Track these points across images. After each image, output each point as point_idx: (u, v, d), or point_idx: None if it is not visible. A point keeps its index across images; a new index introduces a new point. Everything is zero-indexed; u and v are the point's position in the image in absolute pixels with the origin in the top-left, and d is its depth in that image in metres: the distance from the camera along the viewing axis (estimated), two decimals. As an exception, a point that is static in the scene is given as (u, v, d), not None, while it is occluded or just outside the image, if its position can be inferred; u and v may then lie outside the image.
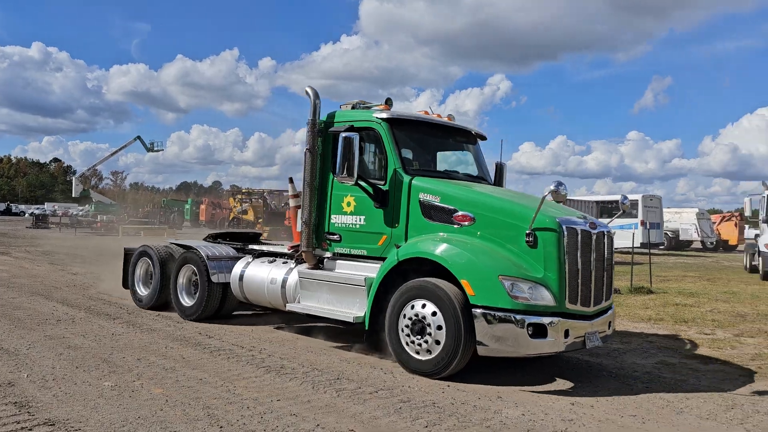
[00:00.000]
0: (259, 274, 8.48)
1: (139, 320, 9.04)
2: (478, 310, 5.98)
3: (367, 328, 6.84)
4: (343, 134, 6.99)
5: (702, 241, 39.17)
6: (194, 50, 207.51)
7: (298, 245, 8.17)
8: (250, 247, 9.42)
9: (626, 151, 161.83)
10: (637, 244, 19.41)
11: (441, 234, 6.66)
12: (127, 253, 10.77)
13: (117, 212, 52.78)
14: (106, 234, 39.13)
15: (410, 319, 6.40)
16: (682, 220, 38.91)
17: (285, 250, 8.65)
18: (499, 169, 8.59)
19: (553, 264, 6.07)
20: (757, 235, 21.09)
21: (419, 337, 6.32)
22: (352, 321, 6.96)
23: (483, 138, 8.49)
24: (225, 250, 9.30)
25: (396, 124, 7.30)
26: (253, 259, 8.86)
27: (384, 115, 7.28)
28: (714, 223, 41.38)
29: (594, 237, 6.45)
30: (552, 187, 6.10)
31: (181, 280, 9.39)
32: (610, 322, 6.81)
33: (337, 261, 7.57)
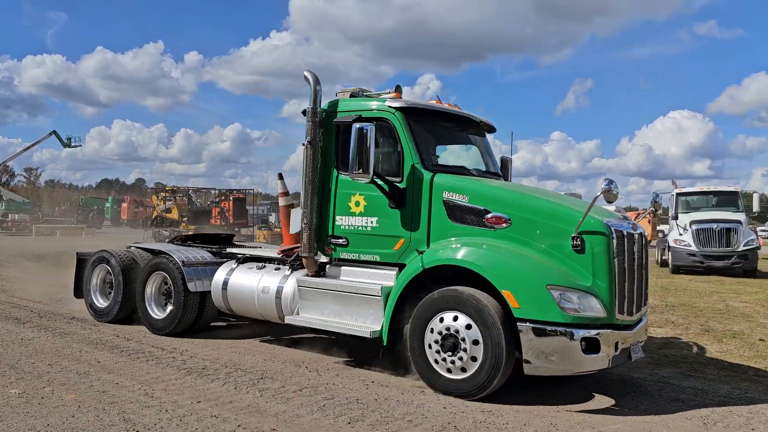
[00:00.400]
0: (248, 282, 7.53)
1: (52, 324, 8.60)
2: (524, 324, 5.36)
3: (385, 343, 6.17)
4: (357, 125, 6.22)
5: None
6: (115, 42, 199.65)
7: (290, 249, 7.58)
8: (229, 250, 8.54)
9: (550, 151, 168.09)
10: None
11: (471, 238, 5.98)
12: (81, 259, 9.63)
13: (30, 211, 50.33)
14: (18, 234, 37.33)
15: (440, 333, 5.71)
16: None
17: (274, 254, 7.86)
18: (505, 164, 7.96)
19: (603, 271, 5.51)
20: (661, 232, 22.34)
21: (451, 354, 5.64)
22: (368, 336, 6.20)
23: (492, 130, 7.82)
24: (201, 254, 8.34)
25: (412, 113, 6.58)
26: (238, 265, 7.89)
27: (399, 104, 6.55)
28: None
29: (636, 240, 6.00)
30: (603, 186, 5.49)
31: (150, 289, 8.36)
32: (646, 330, 6.41)
33: (342, 267, 6.80)
